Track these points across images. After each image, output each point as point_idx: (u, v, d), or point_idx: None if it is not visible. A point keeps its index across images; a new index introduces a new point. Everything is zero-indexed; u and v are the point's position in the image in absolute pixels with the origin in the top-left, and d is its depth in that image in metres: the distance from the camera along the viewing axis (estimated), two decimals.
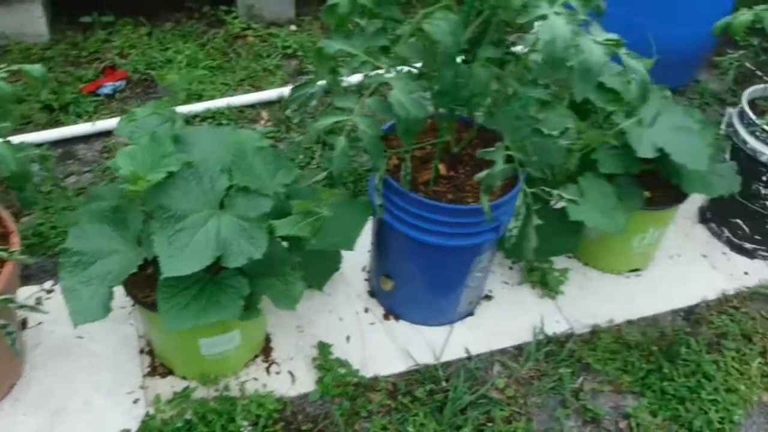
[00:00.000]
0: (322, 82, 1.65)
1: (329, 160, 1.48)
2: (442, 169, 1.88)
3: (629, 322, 2.20)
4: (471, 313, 2.17)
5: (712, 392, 1.99)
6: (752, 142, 2.31)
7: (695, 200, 2.67)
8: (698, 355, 2.09)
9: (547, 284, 2.24)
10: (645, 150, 1.88)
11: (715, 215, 2.59)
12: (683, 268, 2.44)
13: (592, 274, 2.36)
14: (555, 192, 1.73)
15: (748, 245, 2.50)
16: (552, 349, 2.08)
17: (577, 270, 2.37)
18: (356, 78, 1.64)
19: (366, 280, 2.24)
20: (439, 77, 1.59)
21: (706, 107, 3.28)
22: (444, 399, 1.91)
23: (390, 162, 1.87)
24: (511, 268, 2.35)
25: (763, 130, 2.26)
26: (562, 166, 1.90)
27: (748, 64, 3.50)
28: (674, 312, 2.27)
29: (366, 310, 2.15)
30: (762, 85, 2.42)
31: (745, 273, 2.45)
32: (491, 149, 1.60)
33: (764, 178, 2.32)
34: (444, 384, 1.96)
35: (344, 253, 2.23)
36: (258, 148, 1.73)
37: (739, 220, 2.48)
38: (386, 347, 2.05)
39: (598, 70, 1.34)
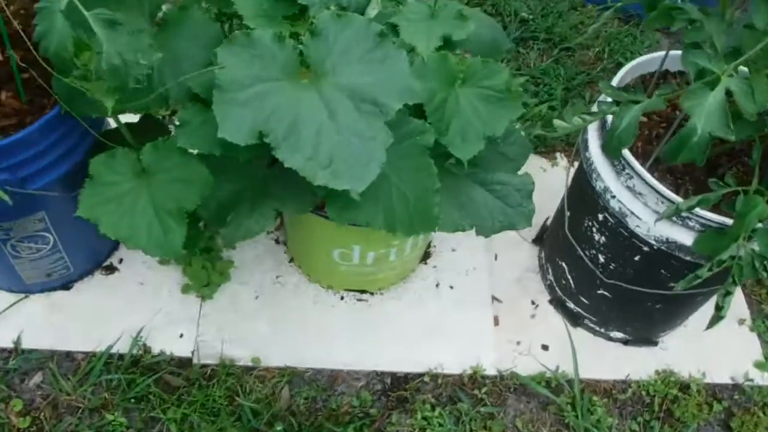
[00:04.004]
0: None
1: None
2: None
3: (283, 372, 1.43)
4: (66, 287, 1.50)
5: None
6: (593, 149, 1.30)
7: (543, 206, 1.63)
8: None
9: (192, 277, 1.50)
10: (231, 129, 1.01)
11: (549, 240, 1.61)
12: (445, 309, 1.55)
13: (293, 279, 1.56)
14: None
15: (571, 305, 1.54)
16: (128, 379, 1.39)
17: (278, 270, 1.57)
18: None
19: None
20: None
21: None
22: None
23: None
24: None
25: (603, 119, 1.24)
26: None
27: None
28: (376, 375, 1.46)
29: None
30: (649, 56, 1.34)
31: (544, 347, 1.52)
32: None
33: (600, 217, 1.33)
34: None
35: None
36: None
37: (564, 264, 1.51)
38: None
39: None
